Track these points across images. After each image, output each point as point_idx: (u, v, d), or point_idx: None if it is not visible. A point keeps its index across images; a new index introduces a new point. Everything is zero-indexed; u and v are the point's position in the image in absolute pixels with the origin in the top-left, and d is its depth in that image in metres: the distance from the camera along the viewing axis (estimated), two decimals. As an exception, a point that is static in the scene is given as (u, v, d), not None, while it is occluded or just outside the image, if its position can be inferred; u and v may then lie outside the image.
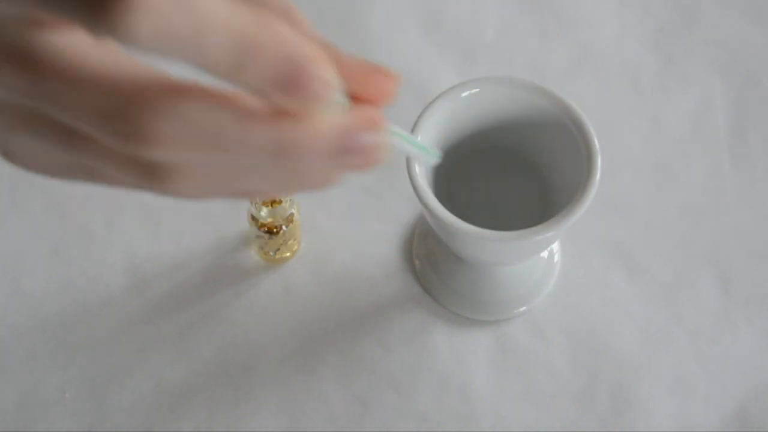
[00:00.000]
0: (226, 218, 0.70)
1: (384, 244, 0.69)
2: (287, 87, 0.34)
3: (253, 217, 0.65)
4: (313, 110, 0.36)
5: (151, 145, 0.35)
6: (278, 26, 0.35)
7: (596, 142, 0.57)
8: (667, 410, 0.64)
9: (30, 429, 0.64)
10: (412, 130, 0.58)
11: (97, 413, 0.65)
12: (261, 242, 0.66)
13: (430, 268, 0.68)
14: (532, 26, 0.76)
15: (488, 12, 0.76)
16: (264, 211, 0.64)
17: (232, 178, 0.37)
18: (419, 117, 0.59)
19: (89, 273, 0.68)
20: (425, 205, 0.57)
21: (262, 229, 0.65)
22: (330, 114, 0.36)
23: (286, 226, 0.66)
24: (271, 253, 0.68)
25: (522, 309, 0.67)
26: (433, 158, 0.49)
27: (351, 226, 0.70)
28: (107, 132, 0.35)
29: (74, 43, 0.35)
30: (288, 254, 0.68)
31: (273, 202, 0.66)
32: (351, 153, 0.37)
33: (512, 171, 0.64)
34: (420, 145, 0.45)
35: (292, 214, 0.66)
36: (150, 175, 0.36)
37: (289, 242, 0.67)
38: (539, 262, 0.68)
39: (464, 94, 0.60)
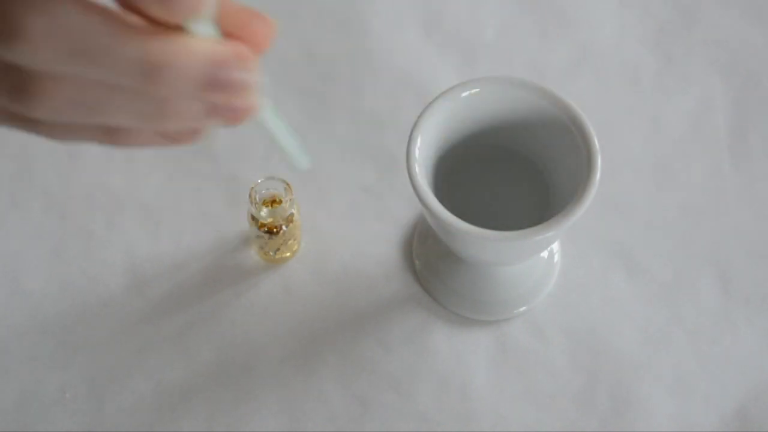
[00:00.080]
0: (226, 218, 0.70)
1: (384, 244, 0.69)
2: None
3: (253, 217, 0.65)
4: (189, 26, 0.36)
5: (21, 40, 0.35)
6: None
7: (596, 142, 0.57)
8: (667, 410, 0.65)
9: (30, 429, 0.64)
10: (412, 130, 0.58)
11: (97, 413, 0.65)
12: (261, 242, 0.66)
13: (430, 268, 0.68)
14: (532, 26, 0.76)
15: (488, 12, 0.76)
16: (264, 211, 0.64)
17: (97, 105, 0.37)
18: (419, 117, 0.59)
19: (89, 273, 0.68)
20: (425, 205, 0.57)
21: (262, 229, 0.65)
22: (201, 40, 0.36)
23: (286, 226, 0.66)
24: (271, 253, 0.68)
25: (522, 309, 0.67)
26: (303, 162, 0.46)
27: (351, 226, 0.70)
28: None
29: None
30: (288, 254, 0.68)
31: (273, 202, 0.66)
32: (218, 87, 0.37)
33: (512, 171, 0.64)
34: (292, 139, 0.44)
35: (292, 214, 0.66)
36: (17, 89, 0.36)
37: (289, 242, 0.67)
38: (539, 262, 0.68)
39: (464, 94, 0.60)
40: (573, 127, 0.58)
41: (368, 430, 0.64)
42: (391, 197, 0.71)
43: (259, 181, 0.64)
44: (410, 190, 0.57)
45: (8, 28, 0.35)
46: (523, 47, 0.75)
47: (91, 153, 0.72)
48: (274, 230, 0.65)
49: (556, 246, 0.68)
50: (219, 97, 0.37)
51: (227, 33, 0.38)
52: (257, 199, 0.64)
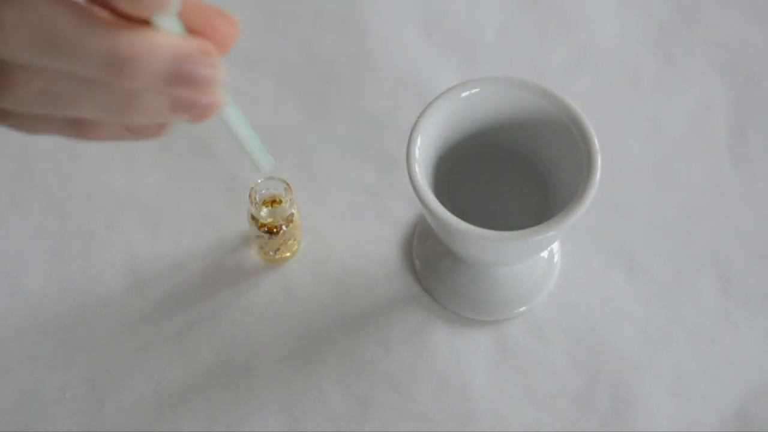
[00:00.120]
0: (226, 218, 0.70)
1: (384, 244, 0.69)
2: None
3: (253, 217, 0.65)
4: (154, 20, 0.37)
5: None
6: None
7: (596, 142, 0.57)
8: (667, 410, 0.65)
9: (30, 429, 0.64)
10: (412, 130, 0.58)
11: (97, 413, 0.65)
12: (261, 242, 0.66)
13: (430, 268, 0.68)
14: (532, 26, 0.76)
15: (488, 12, 0.76)
16: (264, 211, 0.64)
17: (65, 97, 0.37)
18: (419, 117, 0.59)
19: (89, 273, 0.68)
20: (425, 205, 0.57)
21: (262, 229, 0.65)
22: (167, 35, 0.37)
23: (286, 226, 0.66)
24: (271, 253, 0.68)
25: (522, 309, 0.67)
26: (265, 163, 0.46)
27: (351, 226, 0.70)
28: None
29: None
30: (288, 254, 0.68)
31: (273, 202, 0.66)
32: (183, 81, 0.37)
33: (512, 171, 0.64)
34: (255, 139, 0.44)
35: (292, 214, 0.66)
36: None
37: (289, 242, 0.67)
38: (539, 262, 0.68)
39: (464, 94, 0.60)
40: (573, 127, 0.58)
41: (368, 430, 0.64)
42: (391, 197, 0.71)
43: (259, 181, 0.64)
44: (410, 190, 0.57)
45: None
46: (523, 47, 0.75)
47: (91, 153, 0.72)
48: (274, 230, 0.65)
49: (556, 246, 0.68)
50: (183, 92, 0.38)
51: (192, 30, 0.39)
52: (257, 199, 0.64)
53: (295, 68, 0.74)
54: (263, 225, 0.65)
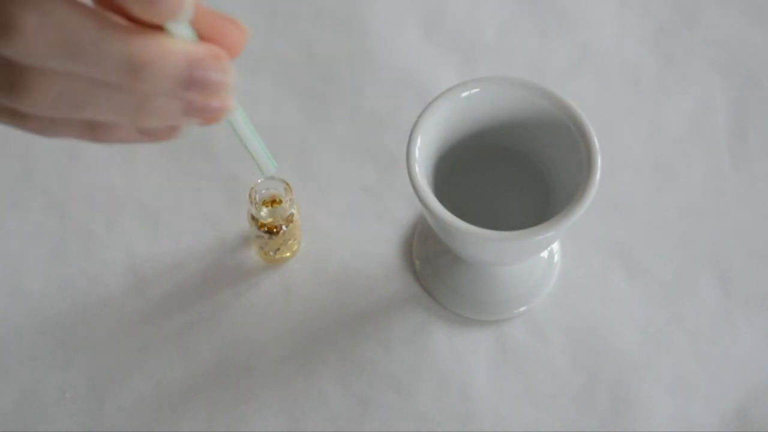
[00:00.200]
0: (226, 218, 0.70)
1: (384, 244, 0.69)
2: None
3: (253, 217, 0.65)
4: (167, 27, 0.38)
5: (15, 35, 0.36)
6: None
7: (596, 142, 0.57)
8: (667, 410, 0.65)
9: (30, 429, 0.64)
10: (412, 130, 0.58)
11: (97, 413, 0.65)
12: (261, 242, 0.66)
13: (430, 268, 0.68)
14: (532, 26, 0.76)
15: (488, 12, 0.76)
16: (264, 211, 0.64)
17: (82, 100, 0.39)
18: (419, 117, 0.59)
19: (89, 273, 0.68)
20: (425, 205, 0.57)
21: (262, 229, 0.65)
22: (180, 41, 0.38)
23: (286, 226, 0.66)
24: (271, 253, 0.68)
25: (522, 309, 0.67)
26: (269, 167, 0.48)
27: (351, 226, 0.70)
28: None
29: None
30: (288, 254, 0.68)
31: (273, 202, 0.66)
32: (195, 85, 0.39)
33: (512, 171, 0.64)
34: (260, 143, 0.46)
35: (292, 214, 0.66)
36: (9, 83, 0.38)
37: (289, 242, 0.67)
38: (539, 262, 0.68)
39: (464, 94, 0.60)
40: (573, 127, 0.58)
41: (368, 430, 0.64)
42: (391, 197, 0.71)
43: (259, 181, 0.64)
44: (410, 190, 0.57)
45: (3, 23, 0.36)
46: (523, 47, 0.75)
47: (91, 153, 0.72)
48: (274, 230, 0.65)
49: (556, 246, 0.68)
50: (195, 96, 0.40)
51: (202, 36, 0.40)
52: (257, 199, 0.64)
53: (295, 68, 0.74)
54: (263, 225, 0.65)
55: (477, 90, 0.60)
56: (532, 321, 0.67)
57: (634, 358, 0.66)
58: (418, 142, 0.58)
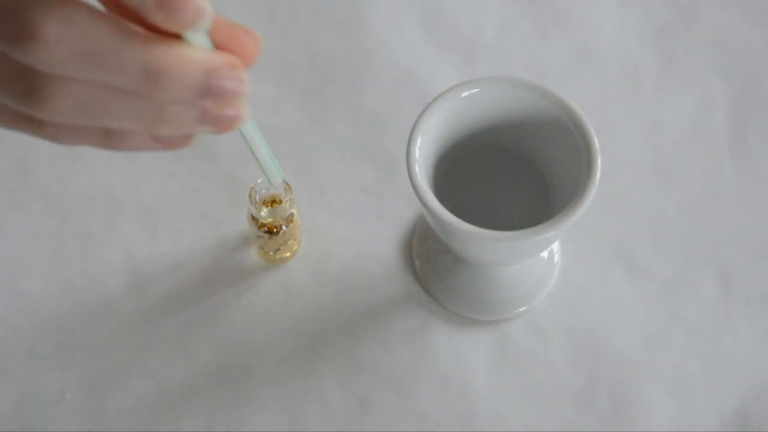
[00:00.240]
0: (226, 218, 0.70)
1: (384, 244, 0.69)
2: (164, 3, 0.37)
3: (253, 217, 0.65)
4: (185, 36, 0.38)
5: (38, 42, 0.37)
6: None
7: (596, 142, 0.57)
8: (667, 410, 0.65)
9: (30, 429, 0.64)
10: (412, 130, 0.58)
11: (97, 413, 0.65)
12: (261, 242, 0.66)
13: (430, 268, 0.68)
14: (532, 26, 0.76)
15: (488, 12, 0.76)
16: (264, 211, 0.64)
17: (100, 107, 0.39)
18: (419, 117, 0.59)
19: (89, 273, 0.68)
20: (425, 205, 0.57)
21: (262, 229, 0.65)
22: (198, 49, 0.39)
23: (286, 226, 0.66)
24: (271, 253, 0.68)
25: (522, 309, 0.67)
26: (277, 176, 0.49)
27: (351, 226, 0.70)
28: None
29: None
30: (288, 254, 0.68)
31: (273, 202, 0.66)
32: (212, 94, 0.39)
33: (512, 171, 0.64)
34: (268, 153, 0.47)
35: (292, 214, 0.66)
36: (29, 91, 0.38)
37: (289, 242, 0.67)
38: (539, 262, 0.68)
39: (464, 94, 0.60)
40: (573, 127, 0.58)
41: (368, 430, 0.64)
42: (391, 197, 0.71)
43: (259, 181, 0.64)
44: (410, 190, 0.57)
45: (26, 31, 0.37)
46: (523, 47, 0.75)
47: (91, 153, 0.72)
48: (274, 230, 0.65)
49: (556, 246, 0.68)
50: (210, 104, 0.40)
51: (218, 45, 0.41)
52: (257, 199, 0.64)
53: (295, 68, 0.74)
54: (263, 225, 0.65)
55: (477, 90, 0.60)
56: (532, 321, 0.67)
57: (634, 358, 0.66)
58: (418, 142, 0.58)
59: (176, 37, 0.39)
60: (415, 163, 0.57)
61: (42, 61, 0.37)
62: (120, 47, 0.38)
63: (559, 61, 0.75)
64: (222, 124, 0.41)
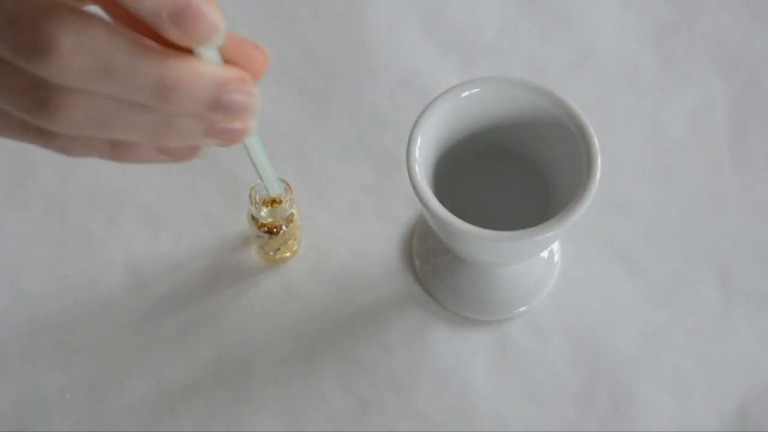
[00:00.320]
0: (226, 218, 0.70)
1: (384, 244, 0.69)
2: (179, 18, 0.37)
3: (253, 217, 0.65)
4: (197, 50, 0.39)
5: (52, 55, 0.37)
6: None
7: (596, 142, 0.57)
8: (667, 410, 0.65)
9: (30, 429, 0.64)
10: (412, 130, 0.58)
11: (97, 413, 0.65)
12: (261, 242, 0.66)
13: (430, 268, 0.68)
14: (532, 26, 0.76)
15: (488, 12, 0.76)
16: (264, 211, 0.64)
17: (111, 120, 0.39)
18: (419, 117, 0.59)
19: (89, 273, 0.68)
20: (425, 205, 0.57)
21: (262, 229, 0.65)
22: (208, 63, 0.39)
23: (286, 226, 0.66)
24: (271, 253, 0.68)
25: (522, 309, 0.67)
26: (276, 188, 0.51)
27: (351, 226, 0.70)
28: (10, 44, 0.37)
29: None
30: (288, 254, 0.68)
31: (273, 202, 0.66)
32: (221, 108, 0.39)
33: (512, 171, 0.64)
34: (269, 165, 0.49)
35: (292, 214, 0.66)
36: (41, 103, 0.39)
37: (289, 242, 0.67)
38: (539, 262, 0.68)
39: (464, 94, 0.60)
40: (573, 127, 0.58)
41: (368, 430, 0.64)
42: (391, 197, 0.71)
43: (259, 181, 0.64)
44: (410, 190, 0.57)
45: (43, 44, 0.37)
46: (523, 47, 0.75)
47: (91, 153, 0.72)
48: (274, 230, 0.65)
49: (556, 246, 0.68)
50: (219, 117, 0.40)
51: (227, 60, 0.41)
52: (257, 199, 0.64)
53: (295, 68, 0.74)
54: (263, 225, 0.65)
55: (477, 90, 0.60)
56: (532, 321, 0.67)
57: (634, 358, 0.66)
58: (418, 142, 0.58)
59: (187, 51, 0.39)
60: (415, 163, 0.57)
61: (56, 74, 0.37)
62: (133, 61, 0.38)
63: (559, 61, 0.75)
64: (229, 137, 0.41)
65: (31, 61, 0.37)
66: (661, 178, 0.71)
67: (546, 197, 0.63)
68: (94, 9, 0.40)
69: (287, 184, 0.64)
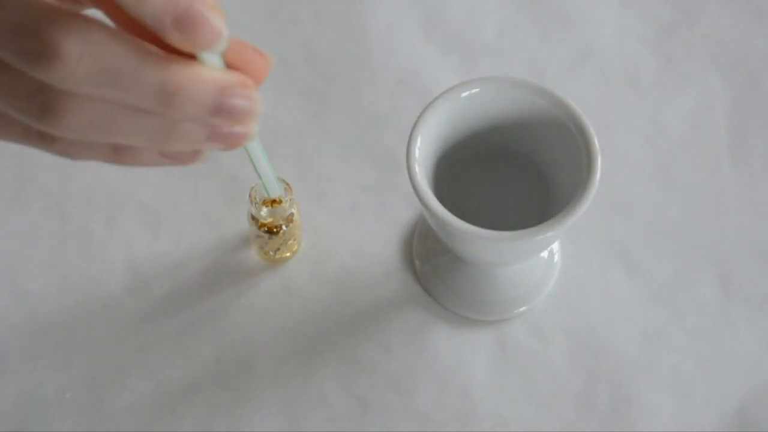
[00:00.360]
0: (226, 218, 0.70)
1: (384, 244, 0.69)
2: (182, 24, 0.37)
3: (253, 217, 0.65)
4: (200, 56, 0.39)
5: (57, 61, 0.37)
6: None
7: (596, 142, 0.57)
8: (667, 410, 0.65)
9: (30, 429, 0.64)
10: (412, 130, 0.58)
11: (97, 413, 0.65)
12: (261, 242, 0.66)
13: (430, 268, 0.68)
14: (532, 26, 0.76)
15: (488, 12, 0.76)
16: (264, 211, 0.64)
17: (114, 124, 0.39)
18: (419, 117, 0.59)
19: (89, 273, 0.68)
20: (425, 205, 0.57)
21: (262, 229, 0.65)
22: (211, 69, 0.39)
23: (286, 226, 0.66)
24: (271, 253, 0.68)
25: (522, 309, 0.67)
26: (276, 190, 0.51)
27: (351, 226, 0.70)
28: (14, 50, 0.37)
29: None
30: (288, 254, 0.68)
31: (273, 202, 0.66)
32: (224, 113, 0.40)
33: (512, 171, 0.64)
34: (270, 169, 0.50)
35: (292, 214, 0.66)
36: (44, 107, 0.39)
37: (289, 242, 0.67)
38: (539, 262, 0.68)
39: (464, 94, 0.60)
40: (573, 127, 0.58)
41: (368, 430, 0.64)
42: (391, 197, 0.71)
43: (259, 181, 0.64)
44: (410, 190, 0.57)
45: (46, 49, 0.37)
46: (523, 47, 0.75)
47: (91, 153, 0.72)
48: (274, 230, 0.65)
49: (556, 246, 0.68)
50: (221, 122, 0.40)
51: (229, 64, 0.41)
52: (257, 199, 0.64)
53: (295, 68, 0.74)
54: (263, 225, 0.65)
55: (477, 90, 0.60)
56: (532, 321, 0.67)
57: (634, 358, 0.66)
58: (418, 142, 0.58)
59: (189, 56, 0.39)
60: (415, 163, 0.57)
61: (60, 79, 0.37)
62: (136, 66, 0.38)
63: (559, 61, 0.75)
64: (231, 141, 0.41)
65: (35, 66, 0.37)
66: (661, 178, 0.71)
67: (546, 197, 0.63)
68: (98, 15, 0.40)
69: (287, 184, 0.64)
